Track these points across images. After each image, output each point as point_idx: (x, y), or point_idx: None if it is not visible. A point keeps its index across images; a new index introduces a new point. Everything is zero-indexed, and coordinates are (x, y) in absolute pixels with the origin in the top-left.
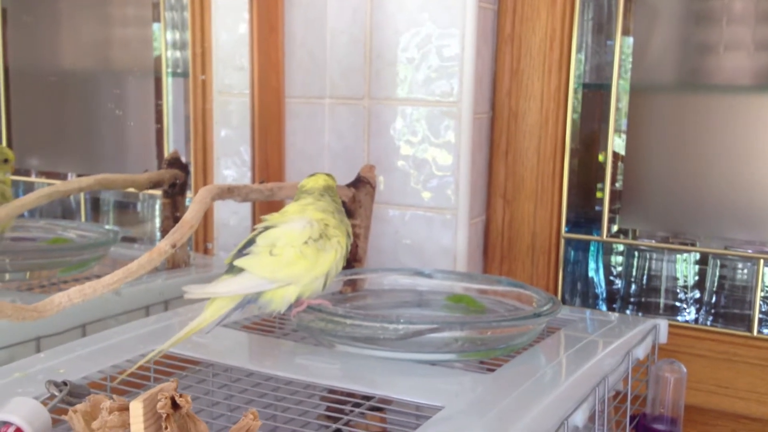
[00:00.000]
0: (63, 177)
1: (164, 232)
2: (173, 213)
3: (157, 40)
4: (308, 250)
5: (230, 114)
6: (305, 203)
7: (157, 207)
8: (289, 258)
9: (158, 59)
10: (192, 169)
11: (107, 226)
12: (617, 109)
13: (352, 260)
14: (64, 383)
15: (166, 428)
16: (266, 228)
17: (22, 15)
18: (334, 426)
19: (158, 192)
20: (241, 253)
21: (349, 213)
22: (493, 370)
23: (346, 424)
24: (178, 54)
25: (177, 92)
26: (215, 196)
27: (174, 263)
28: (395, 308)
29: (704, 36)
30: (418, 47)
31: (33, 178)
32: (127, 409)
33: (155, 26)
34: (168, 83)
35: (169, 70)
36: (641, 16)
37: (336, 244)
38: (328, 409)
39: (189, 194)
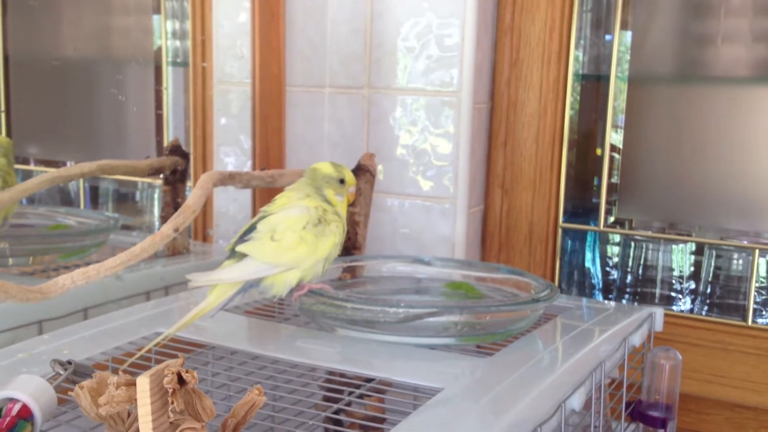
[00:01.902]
0: (62, 165)
1: (164, 219)
2: (174, 200)
3: (157, 31)
4: (308, 235)
5: (230, 102)
6: (289, 189)
7: (156, 196)
8: (290, 243)
9: (158, 49)
10: (192, 157)
11: (107, 213)
12: (615, 99)
13: (351, 248)
14: (69, 362)
15: (173, 403)
16: (265, 215)
17: (23, 2)
18: (335, 407)
19: (157, 181)
20: (242, 239)
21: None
22: (491, 355)
23: (348, 405)
24: (178, 43)
25: (177, 81)
26: (217, 182)
27: (174, 250)
28: (394, 294)
29: (702, 27)
30: (418, 37)
31: (32, 167)
32: (133, 384)
33: (155, 17)
34: (168, 72)
35: (170, 59)
36: (640, 7)
37: (335, 228)
38: (329, 390)
39: (189, 183)
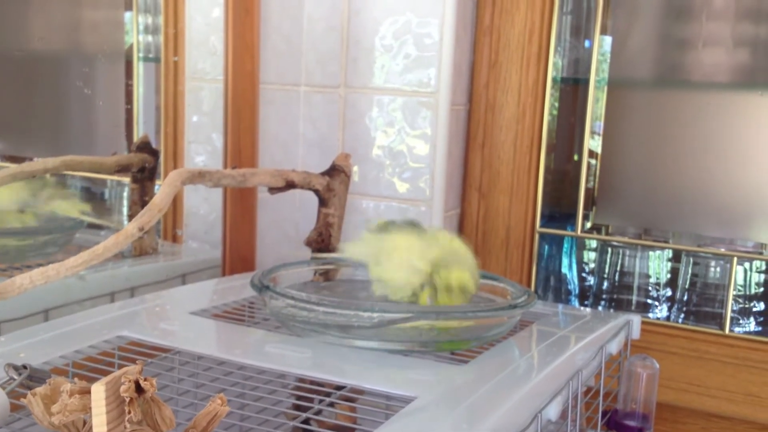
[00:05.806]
0: (28, 161)
1: (131, 217)
2: (141, 198)
3: (129, 26)
4: (401, 261)
5: (202, 99)
6: (448, 241)
7: (125, 195)
8: (387, 247)
9: (129, 43)
10: (162, 155)
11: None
12: (594, 104)
13: (325, 250)
14: (24, 367)
15: (130, 413)
16: (412, 224)
17: None
18: (304, 416)
19: (126, 179)
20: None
21: (323, 202)
22: (466, 362)
23: (318, 413)
24: (150, 38)
25: (148, 77)
26: (186, 180)
27: (141, 250)
28: (367, 298)
29: (683, 32)
30: (396, 36)
31: None
32: (88, 392)
33: (127, 13)
34: (139, 68)
35: (141, 54)
36: (620, 11)
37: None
38: (299, 398)
39: (158, 181)
